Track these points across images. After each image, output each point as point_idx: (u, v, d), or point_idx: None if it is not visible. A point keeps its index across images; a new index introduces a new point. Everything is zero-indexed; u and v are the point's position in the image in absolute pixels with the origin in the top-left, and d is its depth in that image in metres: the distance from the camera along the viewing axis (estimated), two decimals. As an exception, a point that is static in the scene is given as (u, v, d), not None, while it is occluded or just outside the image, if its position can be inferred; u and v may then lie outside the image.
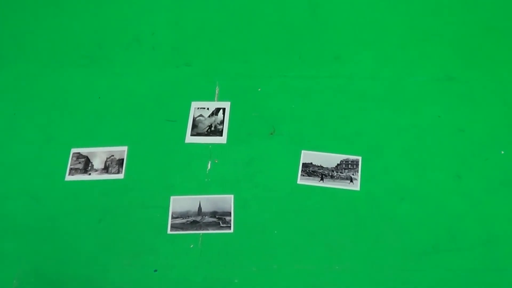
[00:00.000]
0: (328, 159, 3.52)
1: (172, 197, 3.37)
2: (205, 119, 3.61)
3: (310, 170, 3.48)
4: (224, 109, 3.66)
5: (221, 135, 3.55)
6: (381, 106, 3.77)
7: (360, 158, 3.52)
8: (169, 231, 3.29)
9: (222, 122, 3.60)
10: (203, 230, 3.26)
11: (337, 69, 3.99)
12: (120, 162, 3.47)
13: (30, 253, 3.23)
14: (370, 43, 4.14)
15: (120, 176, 3.45)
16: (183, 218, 3.32)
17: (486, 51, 4.06)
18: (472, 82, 3.87)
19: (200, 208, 3.32)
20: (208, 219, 3.29)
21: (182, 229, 3.29)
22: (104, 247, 3.19)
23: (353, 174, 3.45)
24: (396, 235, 3.23)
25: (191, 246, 3.23)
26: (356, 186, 3.42)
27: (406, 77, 3.92)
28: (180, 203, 3.34)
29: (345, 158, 3.52)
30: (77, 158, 3.55)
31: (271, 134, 3.63)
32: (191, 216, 3.31)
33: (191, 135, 3.53)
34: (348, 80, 3.92)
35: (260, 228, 3.22)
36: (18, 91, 3.94)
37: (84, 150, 3.57)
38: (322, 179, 3.44)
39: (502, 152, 3.53)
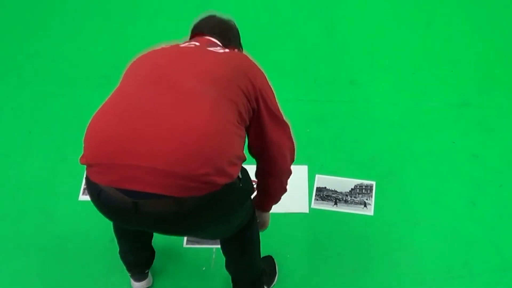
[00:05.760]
0: (342, 183, 3.52)
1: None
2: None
3: (324, 194, 3.47)
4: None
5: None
6: (396, 131, 3.78)
7: (374, 183, 3.51)
8: (184, 245, 3.29)
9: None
10: (218, 245, 3.24)
11: (353, 93, 4.00)
12: (134, 182, 3.47)
13: (42, 271, 3.23)
14: (386, 68, 4.16)
15: (134, 196, 3.45)
16: None
17: (501, 78, 4.07)
18: (487, 108, 3.88)
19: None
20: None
21: (198, 242, 3.28)
22: (115, 266, 3.18)
23: (367, 199, 3.45)
24: (410, 260, 3.21)
25: (203, 268, 3.22)
26: (370, 211, 3.41)
27: (421, 103, 3.93)
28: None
29: (359, 183, 3.51)
30: (91, 178, 3.55)
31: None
32: None
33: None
34: (363, 105, 3.93)
35: (273, 251, 3.21)
36: (34, 110, 3.96)
37: (98, 170, 3.57)
38: (336, 203, 3.44)
39: (517, 179, 3.53)
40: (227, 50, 2.48)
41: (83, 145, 2.22)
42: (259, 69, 2.47)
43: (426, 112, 3.89)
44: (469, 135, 3.76)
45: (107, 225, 3.29)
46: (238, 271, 2.92)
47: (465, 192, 3.48)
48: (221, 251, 2.86)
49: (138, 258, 3.01)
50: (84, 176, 2.32)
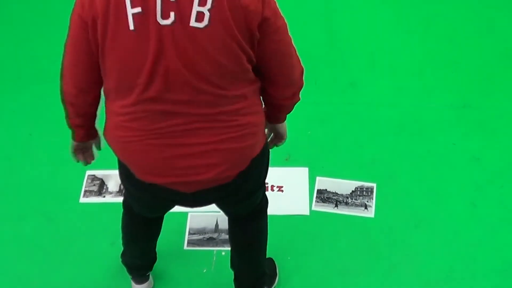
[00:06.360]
0: (343, 185, 3.51)
1: (189, 214, 3.37)
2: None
3: (324, 196, 3.47)
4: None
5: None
6: (396, 133, 3.78)
7: (375, 185, 3.51)
8: (185, 247, 3.29)
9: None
10: (219, 247, 3.25)
11: (353, 95, 4.00)
12: (135, 185, 3.47)
13: (43, 274, 3.23)
14: (386, 70, 4.16)
15: (135, 199, 3.45)
16: (200, 235, 3.32)
17: (502, 79, 4.07)
18: (488, 110, 3.88)
19: (217, 225, 3.32)
20: (224, 236, 3.28)
21: (199, 245, 3.28)
22: (116, 268, 3.18)
23: (367, 201, 3.44)
24: (411, 262, 3.21)
25: (204, 270, 3.22)
26: (370, 213, 3.41)
27: (421, 105, 3.93)
28: (198, 219, 3.34)
29: (360, 185, 3.51)
30: (92, 180, 3.56)
31: (286, 160, 3.63)
32: (208, 233, 3.31)
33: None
34: (363, 107, 3.93)
35: (274, 253, 3.20)
36: (34, 112, 3.96)
37: (99, 172, 3.58)
38: (336, 205, 3.43)
39: (518, 180, 3.53)
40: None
41: (128, 162, 2.35)
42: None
43: (426, 114, 3.88)
44: (469, 136, 3.75)
45: (108, 227, 3.31)
46: (243, 266, 2.93)
47: (466, 194, 3.48)
48: (229, 245, 2.90)
49: (144, 261, 3.02)
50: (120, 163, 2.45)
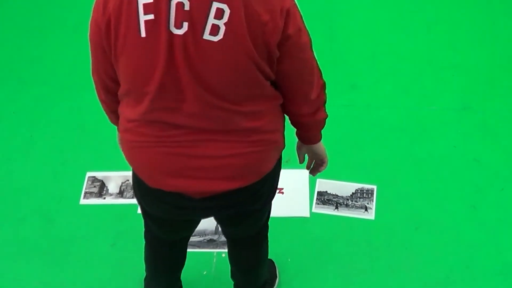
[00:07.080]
0: (343, 187, 3.51)
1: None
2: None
3: (325, 198, 3.47)
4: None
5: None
6: (396, 135, 3.78)
7: (375, 187, 3.51)
8: (185, 249, 3.30)
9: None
10: (219, 248, 3.25)
11: (354, 97, 4.00)
12: (135, 186, 3.47)
13: (43, 276, 3.23)
14: (387, 72, 4.16)
15: (135, 201, 3.44)
16: (200, 236, 3.32)
17: (503, 82, 4.07)
18: (488, 112, 3.88)
19: (217, 227, 3.32)
20: (225, 238, 3.29)
21: (199, 247, 3.28)
22: (117, 271, 3.18)
23: (368, 203, 3.44)
24: (411, 264, 3.21)
25: (204, 272, 3.22)
26: (371, 215, 3.40)
27: (422, 107, 3.93)
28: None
29: (360, 187, 3.51)
30: (92, 182, 3.56)
31: (287, 161, 3.62)
32: (208, 235, 3.31)
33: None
34: (364, 109, 3.93)
35: (274, 255, 3.21)
36: (35, 114, 3.96)
37: (99, 174, 3.58)
38: (337, 207, 3.43)
39: (518, 183, 3.53)
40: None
41: (135, 168, 2.29)
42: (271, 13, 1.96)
43: (427, 116, 3.88)
44: (470, 139, 3.75)
45: (108, 228, 3.32)
46: (244, 281, 2.95)
47: (466, 196, 3.48)
48: (229, 262, 2.90)
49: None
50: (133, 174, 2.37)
